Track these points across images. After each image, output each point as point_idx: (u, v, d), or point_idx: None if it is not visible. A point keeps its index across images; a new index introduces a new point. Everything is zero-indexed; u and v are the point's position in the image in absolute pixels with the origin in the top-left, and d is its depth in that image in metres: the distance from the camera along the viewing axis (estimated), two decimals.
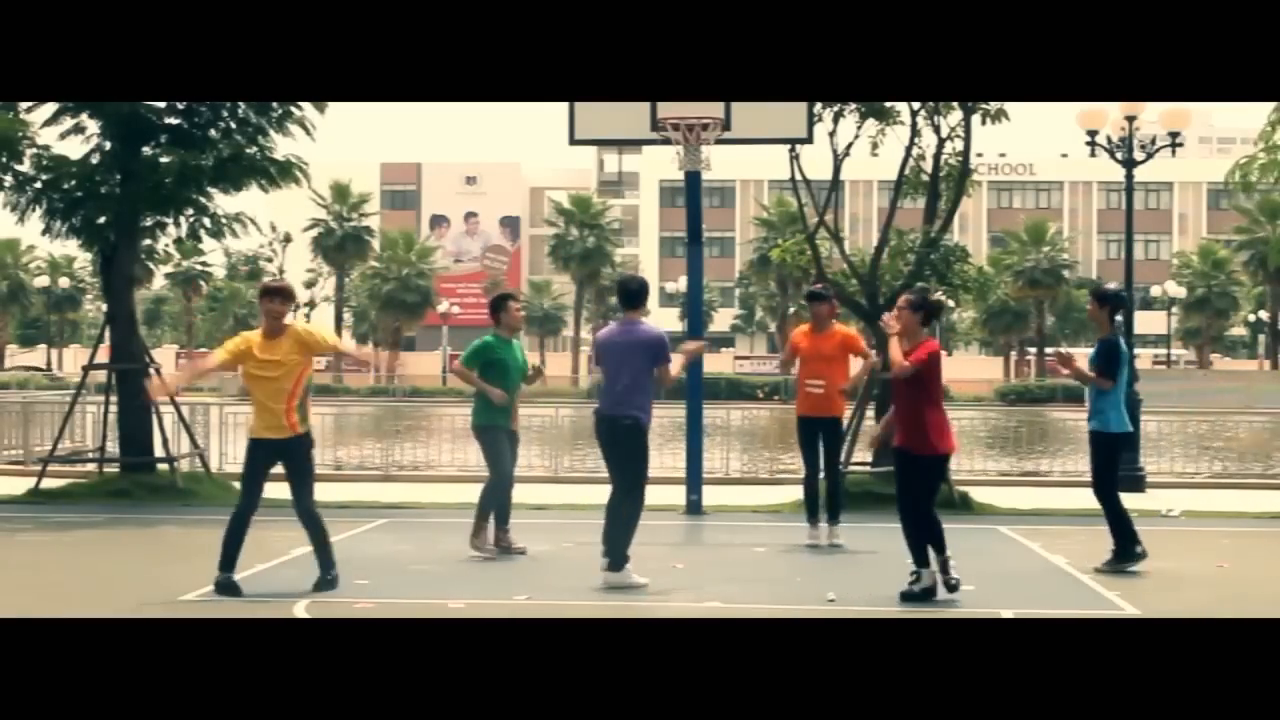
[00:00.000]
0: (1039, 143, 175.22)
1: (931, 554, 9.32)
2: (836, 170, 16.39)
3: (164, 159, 16.06)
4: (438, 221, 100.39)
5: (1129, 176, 19.25)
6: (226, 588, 9.35)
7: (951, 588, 9.28)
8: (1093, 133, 19.00)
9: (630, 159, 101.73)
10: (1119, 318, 11.05)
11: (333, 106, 17.59)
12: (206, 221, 16.61)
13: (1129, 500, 16.62)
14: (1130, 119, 18.77)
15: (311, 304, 78.63)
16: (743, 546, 11.91)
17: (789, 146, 16.16)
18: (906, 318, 9.40)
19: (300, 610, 8.87)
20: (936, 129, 15.96)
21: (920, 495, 9.38)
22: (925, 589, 9.31)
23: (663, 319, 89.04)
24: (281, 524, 10.38)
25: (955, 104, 15.52)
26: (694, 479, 14.74)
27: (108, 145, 16.15)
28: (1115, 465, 11.11)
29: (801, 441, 12.25)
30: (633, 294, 10.08)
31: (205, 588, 9.67)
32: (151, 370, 15.64)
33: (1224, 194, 79.33)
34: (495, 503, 11.26)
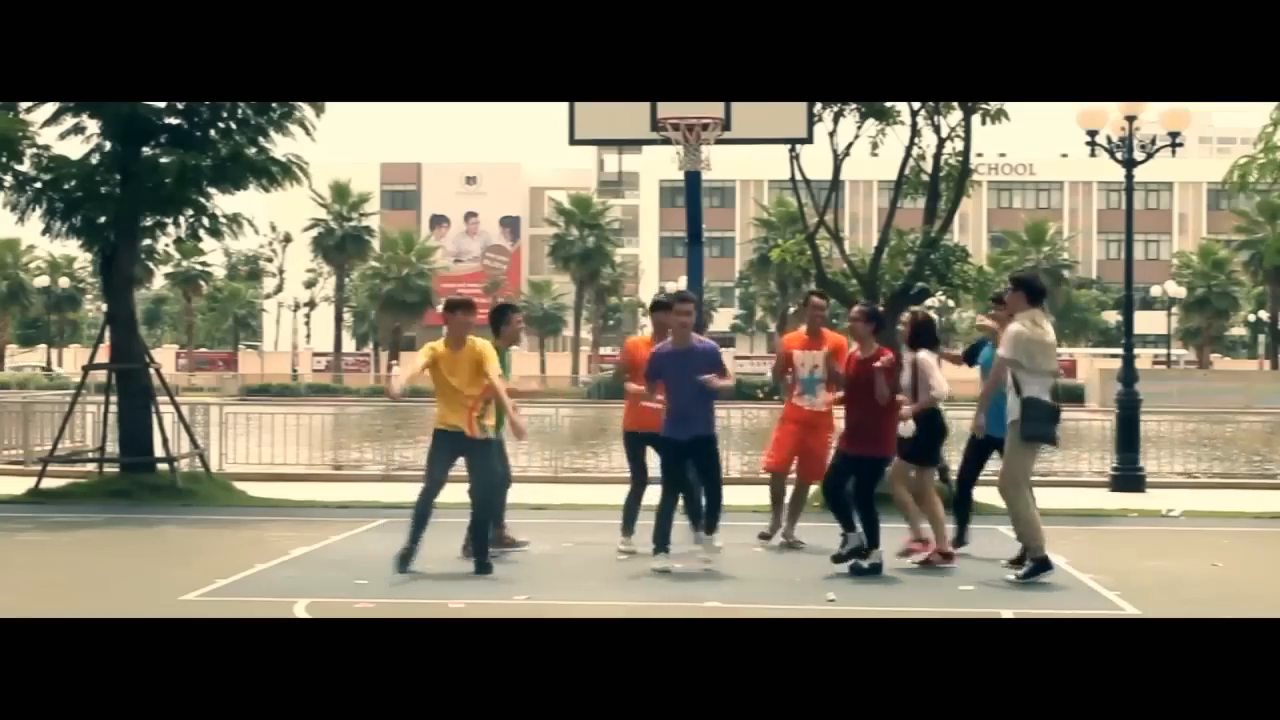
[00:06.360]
0: (1039, 143, 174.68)
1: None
2: (836, 170, 16.37)
3: (164, 159, 16.05)
4: (438, 221, 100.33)
5: (1129, 176, 19.23)
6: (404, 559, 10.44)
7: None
8: (1093, 133, 18.97)
9: (630, 159, 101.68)
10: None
11: (333, 106, 17.61)
12: (206, 221, 16.62)
13: (1129, 500, 16.73)
14: (1130, 119, 18.74)
15: (311, 304, 78.68)
16: (743, 546, 11.89)
17: (789, 146, 16.14)
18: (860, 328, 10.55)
19: (300, 610, 8.87)
20: (936, 129, 15.93)
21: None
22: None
23: None
24: (281, 524, 10.38)
25: (955, 104, 15.51)
26: None
27: (108, 145, 16.16)
28: None
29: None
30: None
31: (205, 587, 9.69)
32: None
33: (1224, 194, 79.30)
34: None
